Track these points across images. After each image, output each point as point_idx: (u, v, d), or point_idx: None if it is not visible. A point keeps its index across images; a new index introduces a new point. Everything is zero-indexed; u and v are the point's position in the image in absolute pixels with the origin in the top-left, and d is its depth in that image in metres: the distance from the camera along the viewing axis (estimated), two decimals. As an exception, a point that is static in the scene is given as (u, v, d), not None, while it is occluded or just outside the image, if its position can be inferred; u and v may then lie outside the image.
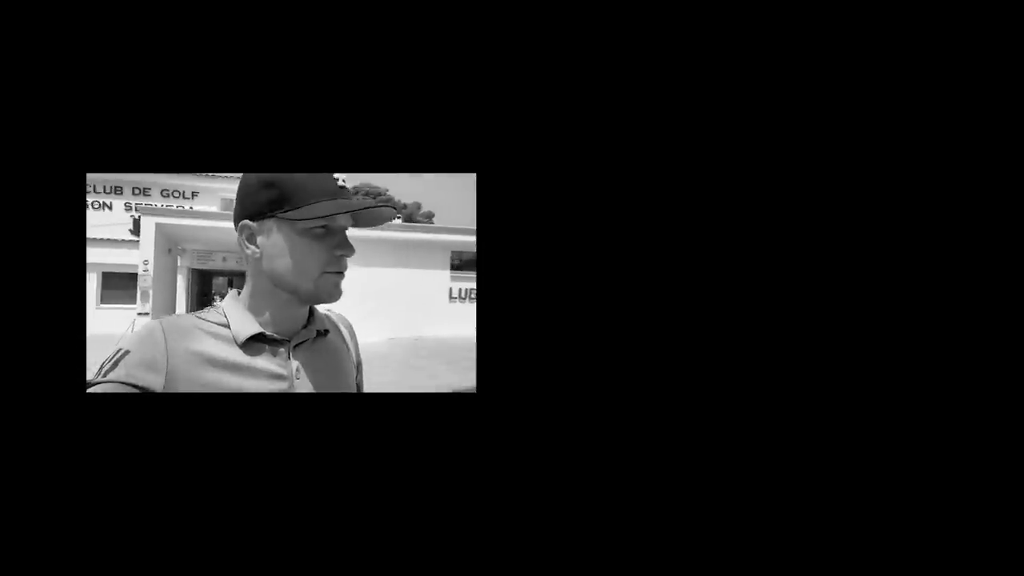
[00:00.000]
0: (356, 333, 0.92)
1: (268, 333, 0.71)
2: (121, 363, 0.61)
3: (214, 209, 13.41)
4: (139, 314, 9.65)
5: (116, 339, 0.67)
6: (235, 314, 0.72)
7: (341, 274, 0.73)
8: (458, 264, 13.34)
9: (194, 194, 15.43)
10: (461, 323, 12.86)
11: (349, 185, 0.73)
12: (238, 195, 0.73)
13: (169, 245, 12.04)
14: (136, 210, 11.52)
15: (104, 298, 13.98)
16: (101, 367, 0.62)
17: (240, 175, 0.75)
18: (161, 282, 10.79)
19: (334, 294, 0.72)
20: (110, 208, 14.79)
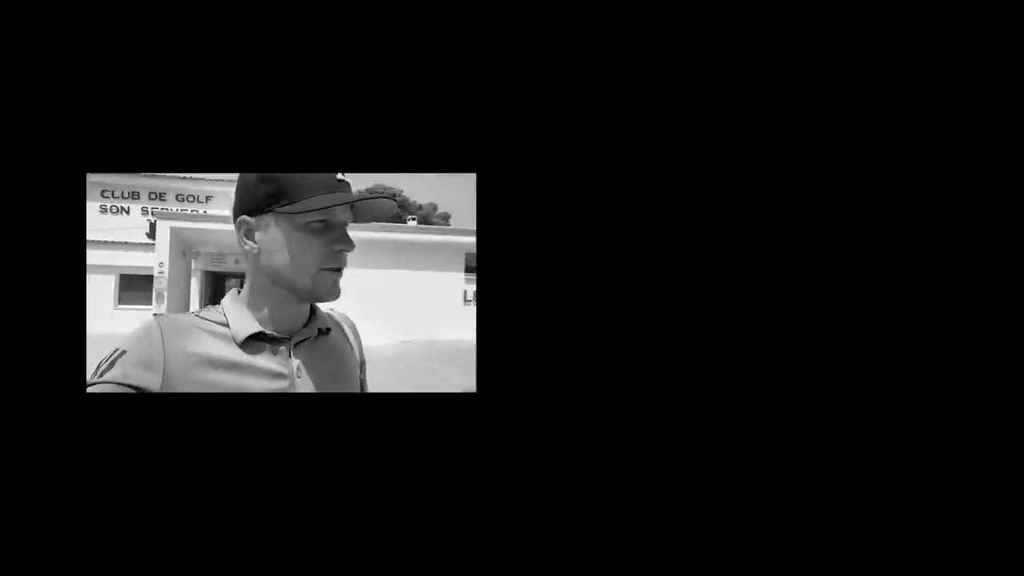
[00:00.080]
0: (359, 333, 0.92)
1: (268, 332, 0.71)
2: (118, 363, 0.61)
3: (227, 213, 13.57)
4: (155, 315, 9.79)
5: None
6: (234, 313, 0.71)
7: (339, 271, 0.72)
8: (473, 266, 13.31)
9: (208, 198, 15.65)
10: (475, 326, 12.67)
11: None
12: (237, 191, 0.72)
13: (183, 248, 12.23)
14: (152, 214, 11.74)
15: (122, 299, 14.22)
16: (98, 367, 0.62)
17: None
18: (176, 284, 10.97)
19: (332, 292, 0.71)
20: (127, 212, 15.13)
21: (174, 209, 14.57)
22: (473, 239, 12.78)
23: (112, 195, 15.20)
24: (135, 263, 13.85)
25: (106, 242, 13.86)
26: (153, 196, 15.40)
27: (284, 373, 0.70)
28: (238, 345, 0.68)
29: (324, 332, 0.79)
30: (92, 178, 14.81)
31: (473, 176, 0.94)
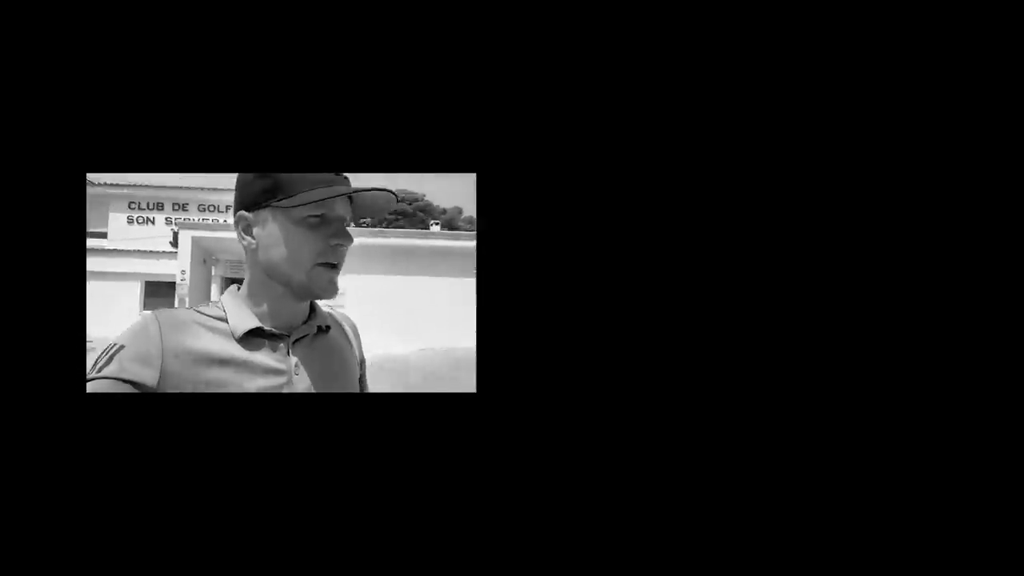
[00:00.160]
0: (359, 333, 0.92)
1: (266, 328, 0.71)
2: (115, 358, 0.62)
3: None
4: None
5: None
6: (233, 308, 0.71)
7: (336, 268, 0.71)
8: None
9: (228, 208, 15.94)
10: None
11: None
12: (236, 187, 0.73)
13: (204, 256, 12.48)
14: (175, 224, 12.03)
15: (147, 305, 14.56)
16: (96, 362, 0.62)
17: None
18: (197, 290, 11.20)
19: (328, 289, 0.71)
20: (153, 223, 15.70)
21: (196, 219, 14.95)
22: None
23: (138, 207, 15.84)
24: (159, 271, 14.19)
25: (133, 251, 14.29)
26: (176, 207, 15.97)
27: (282, 369, 0.70)
28: (236, 341, 0.68)
29: (324, 330, 0.79)
30: (119, 191, 15.41)
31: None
